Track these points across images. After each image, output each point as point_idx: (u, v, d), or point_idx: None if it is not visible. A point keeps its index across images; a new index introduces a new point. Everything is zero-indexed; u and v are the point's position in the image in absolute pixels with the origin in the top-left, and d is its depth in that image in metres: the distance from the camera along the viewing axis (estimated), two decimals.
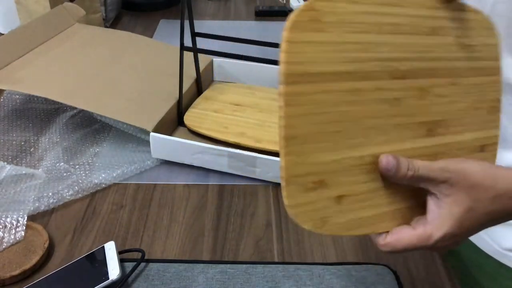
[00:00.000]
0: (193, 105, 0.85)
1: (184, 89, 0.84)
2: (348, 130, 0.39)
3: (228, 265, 0.59)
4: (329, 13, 0.37)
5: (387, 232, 0.41)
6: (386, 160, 0.39)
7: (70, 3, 0.99)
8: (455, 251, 0.70)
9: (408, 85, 0.41)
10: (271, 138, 0.77)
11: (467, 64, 0.44)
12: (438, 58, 0.42)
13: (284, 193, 0.37)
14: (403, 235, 0.39)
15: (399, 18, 0.40)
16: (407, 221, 0.42)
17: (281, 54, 0.34)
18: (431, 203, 0.39)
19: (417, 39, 0.41)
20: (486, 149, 0.46)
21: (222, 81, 0.97)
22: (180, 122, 0.83)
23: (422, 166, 0.39)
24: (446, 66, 0.43)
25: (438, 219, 0.39)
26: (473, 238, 0.65)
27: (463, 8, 0.43)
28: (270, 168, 0.70)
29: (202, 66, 0.91)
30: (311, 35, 0.36)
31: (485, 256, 0.63)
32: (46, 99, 0.87)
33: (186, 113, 0.83)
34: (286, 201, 0.37)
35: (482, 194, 0.38)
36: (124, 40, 0.96)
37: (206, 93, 0.89)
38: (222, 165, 0.73)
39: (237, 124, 0.80)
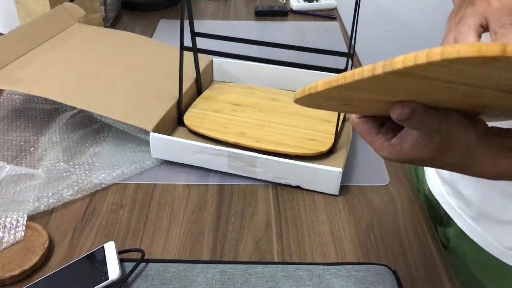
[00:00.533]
0: (193, 105, 0.85)
1: (184, 89, 0.84)
2: (403, 95, 0.39)
3: (228, 265, 0.59)
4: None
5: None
6: (400, 111, 0.38)
7: (70, 3, 0.99)
8: (456, 250, 0.69)
9: (503, 95, 0.39)
10: (271, 138, 0.77)
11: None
12: None
13: (298, 94, 0.41)
14: (368, 130, 0.43)
15: None
16: (387, 117, 0.43)
17: (409, 58, 0.33)
18: (406, 134, 0.41)
19: None
20: None
21: (222, 81, 0.97)
22: (180, 122, 0.83)
23: (429, 125, 0.39)
24: None
25: (398, 148, 0.41)
26: (476, 238, 0.65)
27: None
28: (270, 168, 0.70)
29: (202, 66, 0.91)
30: (466, 67, 0.33)
31: (486, 255, 0.63)
32: (46, 99, 0.87)
33: (186, 113, 0.83)
34: (297, 96, 0.41)
35: (447, 158, 0.40)
36: (124, 40, 0.96)
37: (206, 93, 0.89)
38: (222, 165, 0.73)
39: (237, 124, 0.80)
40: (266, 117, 0.82)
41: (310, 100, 0.43)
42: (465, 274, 0.67)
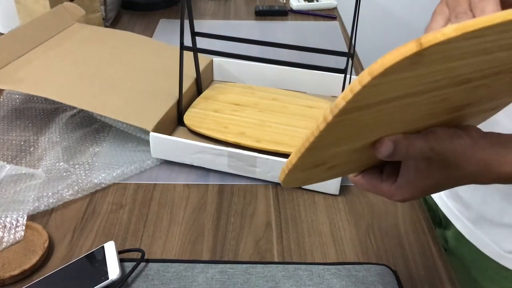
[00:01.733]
0: (193, 104, 0.85)
1: (184, 88, 0.84)
2: (370, 131, 0.38)
3: (228, 265, 0.59)
4: (436, 53, 0.31)
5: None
6: (384, 148, 0.38)
7: (70, 3, 0.98)
8: (455, 252, 0.69)
9: (468, 86, 0.38)
10: (271, 138, 0.77)
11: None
12: None
13: (282, 175, 0.40)
14: (371, 183, 0.43)
15: (506, 41, 0.34)
16: (380, 162, 0.43)
17: (347, 92, 0.31)
18: (405, 169, 0.41)
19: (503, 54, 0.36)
20: (498, 107, 0.45)
21: (222, 81, 0.97)
22: (180, 121, 0.83)
23: (419, 150, 0.39)
24: None
25: (406, 185, 0.41)
26: (475, 241, 0.65)
27: None
28: (270, 168, 0.70)
29: (202, 66, 0.91)
30: (398, 75, 0.31)
31: (486, 258, 0.63)
32: (46, 99, 0.87)
33: (186, 113, 0.83)
34: (281, 177, 0.41)
35: (454, 173, 0.40)
36: (124, 40, 0.96)
37: (206, 93, 0.89)
38: (222, 165, 0.73)
39: (237, 124, 0.80)
40: (266, 117, 0.82)
41: (296, 176, 0.42)
42: (464, 276, 0.67)
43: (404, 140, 0.38)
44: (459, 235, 0.67)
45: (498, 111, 0.46)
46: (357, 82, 0.31)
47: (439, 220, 0.75)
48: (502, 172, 0.39)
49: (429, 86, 0.35)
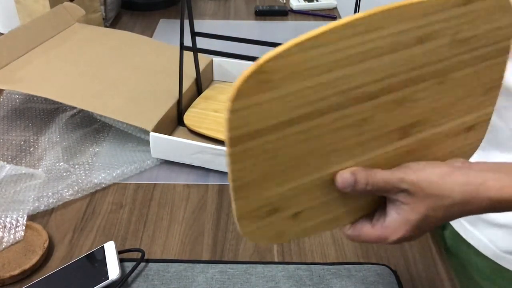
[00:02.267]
0: (192, 105, 0.85)
1: (184, 88, 0.84)
2: (302, 163, 0.38)
3: (228, 265, 0.59)
4: (280, 69, 0.33)
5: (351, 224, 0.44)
6: (341, 180, 0.40)
7: (70, 3, 0.98)
8: (453, 252, 0.69)
9: (378, 103, 0.39)
10: None
11: (463, 57, 0.41)
12: (424, 65, 0.39)
13: (238, 226, 0.39)
14: (363, 232, 0.43)
15: (373, 43, 0.36)
16: (368, 211, 0.44)
17: (225, 121, 0.34)
18: (390, 207, 0.41)
19: (395, 56, 0.37)
20: (475, 127, 0.45)
21: (222, 81, 0.97)
22: (180, 121, 0.83)
23: (381, 179, 0.40)
24: (434, 68, 0.40)
25: (395, 223, 0.41)
26: (472, 241, 0.65)
27: (468, 2, 0.39)
28: None
29: (202, 66, 0.91)
30: (258, 97, 0.33)
31: (483, 258, 0.63)
32: (46, 99, 0.87)
33: (186, 112, 0.83)
34: (240, 230, 0.40)
35: (439, 202, 0.39)
36: (123, 40, 0.96)
37: (205, 93, 0.89)
38: (222, 164, 0.73)
39: None
40: None
41: (259, 229, 0.41)
42: (463, 276, 0.67)
43: (362, 171, 0.39)
44: (455, 235, 0.67)
45: (482, 131, 0.46)
46: (227, 109, 0.33)
47: None
48: (493, 196, 0.38)
49: (320, 105, 0.36)
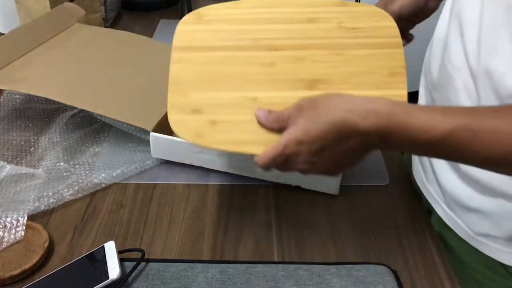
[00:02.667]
0: None
1: None
2: (224, 80, 0.55)
3: (228, 264, 0.59)
4: (210, 14, 0.59)
5: None
6: (258, 113, 0.53)
7: (70, 3, 0.99)
8: (441, 238, 0.70)
9: (283, 54, 0.56)
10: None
11: (357, 41, 0.57)
12: (316, 37, 0.57)
13: (168, 115, 0.55)
14: (265, 152, 0.51)
15: (275, 14, 0.58)
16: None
17: (174, 36, 0.57)
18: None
19: (292, 27, 0.58)
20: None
21: None
22: None
23: (287, 113, 0.51)
24: (327, 42, 0.57)
25: (286, 132, 0.50)
26: (451, 225, 0.65)
27: (352, 5, 0.60)
28: None
29: None
30: (195, 27, 0.58)
31: (463, 242, 0.64)
32: (46, 99, 0.87)
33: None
34: (169, 118, 0.55)
35: (323, 108, 0.48)
36: (124, 40, 0.96)
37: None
38: (222, 164, 0.73)
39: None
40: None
41: (184, 123, 0.56)
42: (463, 275, 0.67)
43: (276, 110, 0.53)
44: (439, 220, 0.67)
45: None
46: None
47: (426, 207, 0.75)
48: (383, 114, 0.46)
49: (236, 43, 0.56)
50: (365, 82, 0.55)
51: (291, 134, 0.49)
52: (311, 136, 0.48)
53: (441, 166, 0.65)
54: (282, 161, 0.51)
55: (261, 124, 0.53)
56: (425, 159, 0.70)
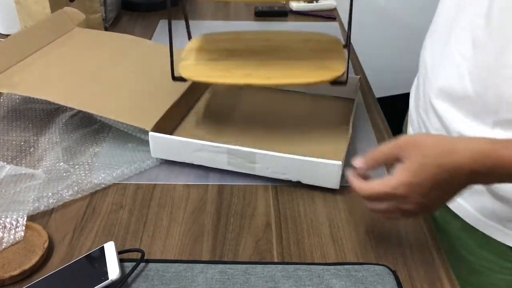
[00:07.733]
0: (182, 58, 0.79)
1: (183, 88, 0.84)
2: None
3: (228, 265, 0.59)
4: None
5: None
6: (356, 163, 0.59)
7: (70, 8, 0.98)
8: (444, 230, 0.69)
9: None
10: (280, 74, 0.74)
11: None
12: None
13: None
14: (371, 186, 0.54)
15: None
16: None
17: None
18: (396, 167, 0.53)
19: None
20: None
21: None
22: (173, 78, 0.77)
23: (387, 151, 0.55)
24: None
25: (397, 172, 0.52)
26: (458, 212, 0.66)
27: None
28: (269, 164, 0.70)
29: None
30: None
31: (470, 231, 0.65)
32: (45, 100, 0.87)
33: (180, 66, 0.76)
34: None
35: (430, 150, 0.50)
36: (123, 43, 0.96)
37: (191, 45, 0.83)
38: (221, 162, 0.73)
39: (239, 67, 0.76)
40: (266, 57, 0.78)
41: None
42: (451, 255, 0.67)
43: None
44: (444, 209, 0.68)
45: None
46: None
47: None
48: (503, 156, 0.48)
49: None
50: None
51: (402, 176, 0.51)
52: (421, 178, 0.50)
53: None
54: (390, 199, 0.53)
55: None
56: None
